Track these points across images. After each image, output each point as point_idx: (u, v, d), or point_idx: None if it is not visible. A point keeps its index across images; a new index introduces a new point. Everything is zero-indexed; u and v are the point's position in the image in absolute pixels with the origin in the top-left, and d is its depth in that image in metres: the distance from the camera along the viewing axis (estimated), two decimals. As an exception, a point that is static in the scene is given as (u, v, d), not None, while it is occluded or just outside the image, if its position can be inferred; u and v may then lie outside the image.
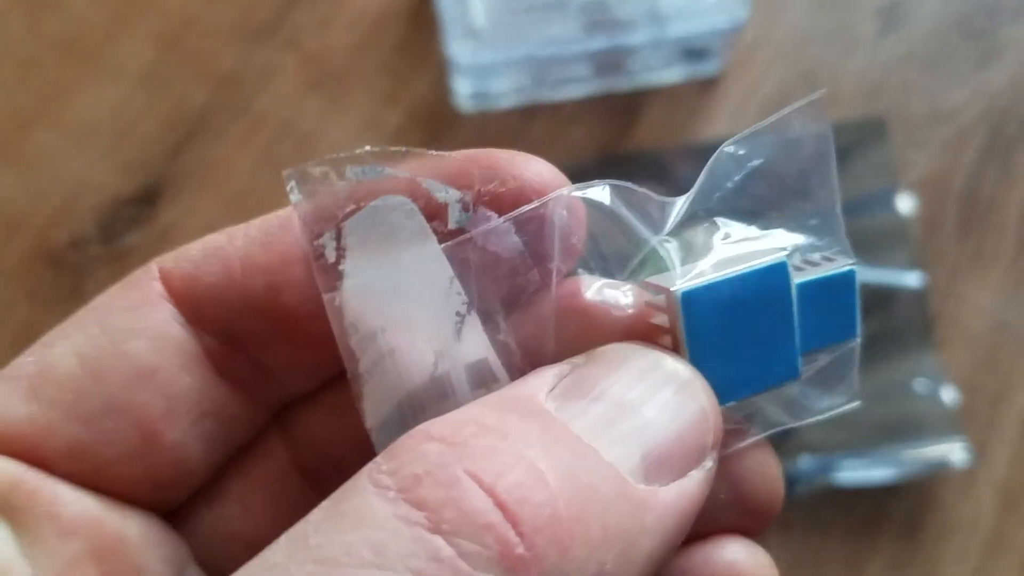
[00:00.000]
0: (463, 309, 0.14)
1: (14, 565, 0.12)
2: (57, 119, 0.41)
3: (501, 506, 0.11)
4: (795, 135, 0.14)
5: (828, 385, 0.15)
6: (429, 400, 0.13)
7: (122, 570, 0.13)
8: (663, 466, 0.12)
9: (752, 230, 0.15)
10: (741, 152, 0.14)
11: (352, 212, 0.13)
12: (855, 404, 0.16)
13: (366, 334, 0.13)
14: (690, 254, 0.14)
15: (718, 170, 0.14)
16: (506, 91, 0.40)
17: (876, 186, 0.40)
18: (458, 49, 0.38)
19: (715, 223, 0.15)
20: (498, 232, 0.14)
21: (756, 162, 0.14)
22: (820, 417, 0.15)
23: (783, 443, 0.37)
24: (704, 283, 0.14)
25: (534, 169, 0.15)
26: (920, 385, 0.37)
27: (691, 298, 0.13)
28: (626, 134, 0.41)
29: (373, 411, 0.13)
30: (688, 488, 0.13)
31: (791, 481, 0.36)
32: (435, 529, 0.11)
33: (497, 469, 0.11)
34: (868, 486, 0.36)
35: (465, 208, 0.14)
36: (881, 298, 0.39)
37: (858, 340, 0.15)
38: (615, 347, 0.13)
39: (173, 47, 0.41)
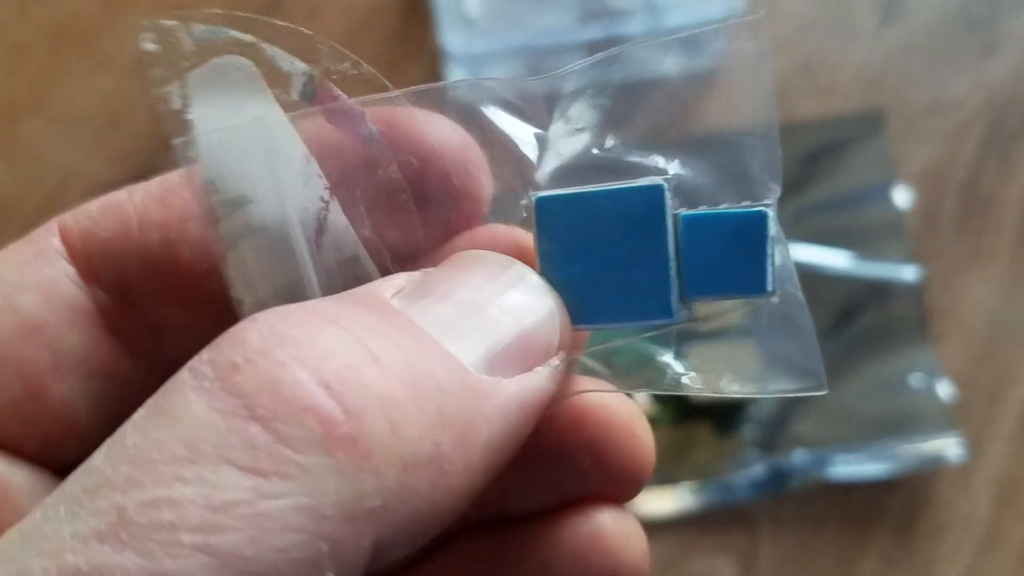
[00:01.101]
0: (326, 195, 0.13)
1: None
2: (47, 108, 0.41)
3: (326, 386, 0.11)
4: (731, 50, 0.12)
5: (779, 364, 0.14)
6: (293, 295, 0.13)
7: (4, 514, 0.14)
8: (507, 360, 0.12)
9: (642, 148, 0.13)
10: (658, 56, 0.13)
11: (197, 65, 0.13)
12: (820, 392, 0.14)
13: (228, 199, 0.13)
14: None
15: (616, 67, 0.13)
16: (500, 81, 0.40)
17: (873, 179, 0.40)
18: (452, 38, 0.38)
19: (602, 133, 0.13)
20: (349, 114, 0.13)
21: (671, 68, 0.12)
22: (755, 395, 0.14)
23: (777, 437, 0.37)
24: (565, 192, 0.13)
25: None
26: (916, 380, 0.38)
27: (546, 205, 0.13)
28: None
29: (238, 283, 0.13)
30: (532, 382, 0.12)
31: (784, 475, 0.36)
32: (251, 416, 0.11)
33: (324, 353, 0.11)
34: (862, 481, 0.36)
35: (311, 83, 0.13)
36: (877, 292, 0.39)
37: (771, 297, 0.13)
38: (468, 252, 0.13)
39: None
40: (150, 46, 0.13)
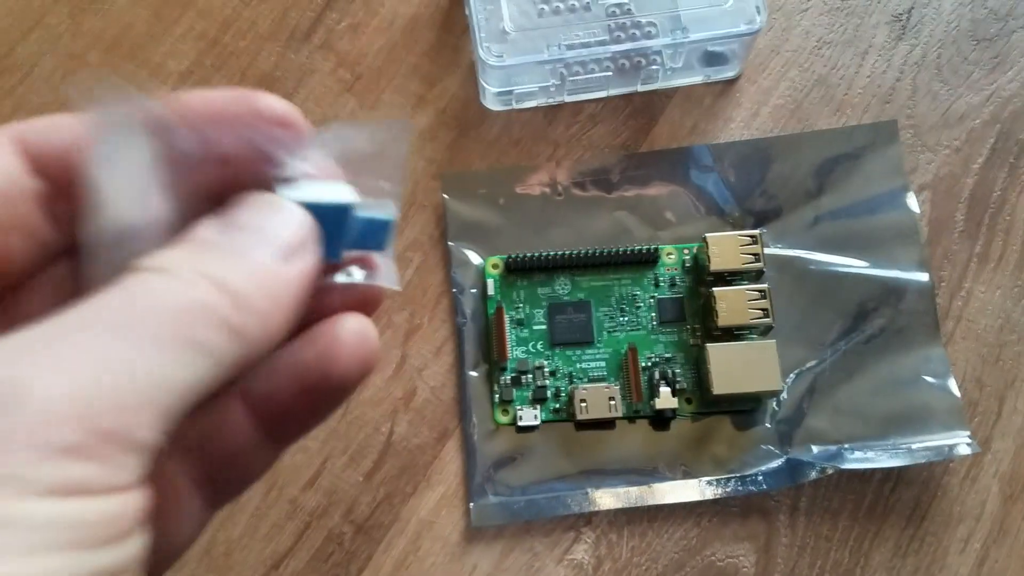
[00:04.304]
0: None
1: None
2: (100, 115, 0.42)
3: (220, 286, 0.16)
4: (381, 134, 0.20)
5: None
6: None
7: None
8: (289, 254, 0.18)
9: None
10: (336, 135, 0.20)
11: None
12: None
13: (95, 199, 0.17)
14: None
15: (322, 142, 0.20)
16: (531, 91, 0.41)
17: (887, 187, 0.41)
18: (487, 52, 0.39)
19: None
20: (165, 127, 0.18)
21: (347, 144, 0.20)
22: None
23: (793, 433, 0.38)
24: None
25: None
26: (927, 380, 0.38)
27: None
28: (645, 134, 0.42)
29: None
30: (305, 261, 0.18)
31: (800, 468, 0.37)
32: None
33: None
34: (876, 469, 0.38)
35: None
36: (891, 295, 0.40)
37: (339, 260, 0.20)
38: (251, 195, 0.18)
39: (212, 48, 0.43)
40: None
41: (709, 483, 0.37)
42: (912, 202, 0.41)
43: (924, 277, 0.40)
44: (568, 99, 0.42)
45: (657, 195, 0.41)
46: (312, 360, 0.19)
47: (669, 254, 0.40)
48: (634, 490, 0.37)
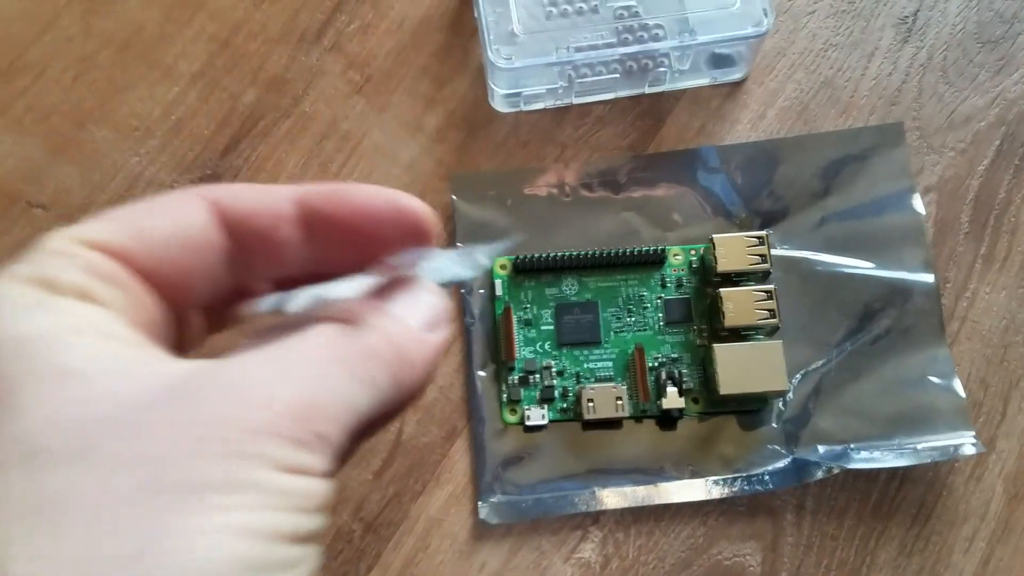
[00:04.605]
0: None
1: (120, 304, 0.20)
2: (112, 116, 0.42)
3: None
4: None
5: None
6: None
7: (150, 320, 0.21)
8: (434, 326, 0.22)
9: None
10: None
11: None
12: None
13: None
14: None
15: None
16: (540, 93, 0.42)
17: (893, 188, 0.41)
18: (495, 54, 0.40)
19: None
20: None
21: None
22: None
23: (799, 433, 0.38)
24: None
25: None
26: (933, 380, 0.39)
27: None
28: (652, 135, 0.42)
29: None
30: (443, 333, 0.23)
31: (806, 468, 0.37)
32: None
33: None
34: (881, 469, 0.38)
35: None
36: (897, 296, 0.40)
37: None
38: (416, 279, 0.23)
39: (223, 50, 0.43)
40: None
41: (716, 483, 0.38)
42: (918, 203, 0.41)
43: (930, 278, 0.40)
44: (576, 101, 0.42)
45: (664, 196, 0.41)
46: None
47: (676, 255, 0.41)
48: (641, 489, 0.38)
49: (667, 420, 0.39)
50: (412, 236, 0.22)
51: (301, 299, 0.21)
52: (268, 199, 0.22)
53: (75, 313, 0.19)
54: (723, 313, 0.38)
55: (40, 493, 0.16)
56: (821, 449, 0.38)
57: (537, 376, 0.39)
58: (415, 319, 0.22)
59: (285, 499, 0.17)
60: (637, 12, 0.41)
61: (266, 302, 0.21)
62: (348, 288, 0.21)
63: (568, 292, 0.40)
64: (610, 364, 0.39)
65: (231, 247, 0.22)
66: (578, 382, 0.39)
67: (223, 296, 0.23)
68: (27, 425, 0.17)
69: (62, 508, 0.16)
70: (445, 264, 0.24)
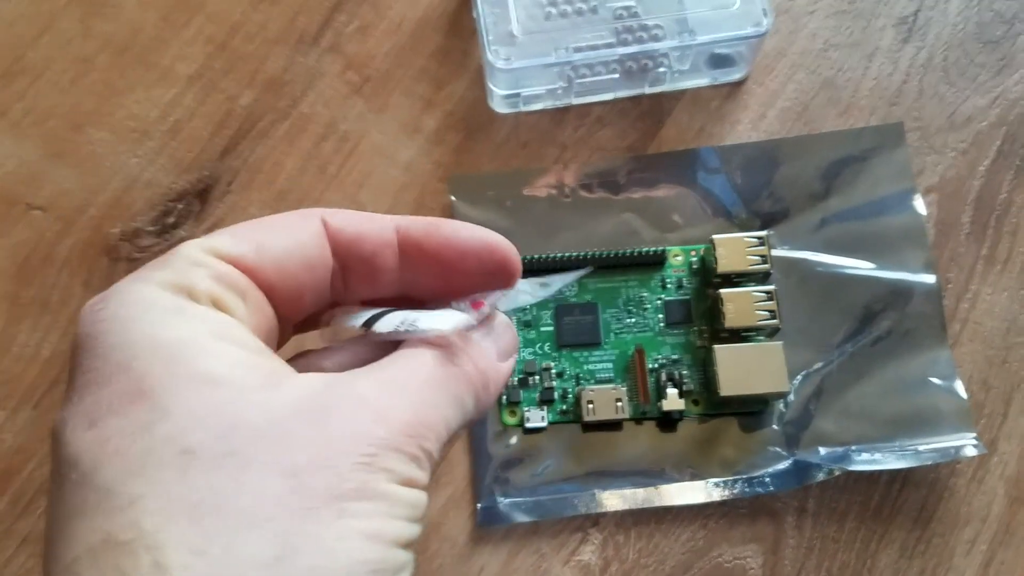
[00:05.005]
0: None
1: (243, 313, 0.21)
2: (110, 118, 0.42)
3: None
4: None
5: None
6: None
7: (268, 329, 0.23)
8: (507, 356, 0.25)
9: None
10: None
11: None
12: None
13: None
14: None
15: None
16: (539, 94, 0.42)
17: (893, 189, 0.41)
18: (494, 55, 0.39)
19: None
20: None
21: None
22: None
23: (800, 434, 0.38)
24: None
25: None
26: (934, 382, 0.38)
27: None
28: (652, 136, 0.42)
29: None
30: (512, 363, 0.25)
31: (807, 470, 0.37)
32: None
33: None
34: (882, 471, 0.38)
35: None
36: (898, 297, 0.40)
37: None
38: (496, 315, 0.25)
39: (222, 51, 0.43)
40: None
41: (716, 485, 0.37)
42: (919, 204, 0.41)
43: (931, 279, 0.40)
44: (575, 102, 0.42)
45: (664, 197, 0.41)
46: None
47: (676, 256, 0.40)
48: (641, 491, 0.37)
49: (667, 422, 0.39)
50: (499, 276, 0.24)
51: (390, 321, 0.22)
52: (375, 226, 0.24)
53: (213, 320, 0.20)
54: (723, 314, 0.38)
55: (193, 492, 0.17)
56: (822, 451, 0.38)
57: (537, 378, 0.39)
58: (495, 349, 0.24)
59: (402, 509, 0.19)
60: (636, 12, 0.41)
61: (355, 319, 0.23)
62: (436, 317, 0.23)
63: (568, 293, 0.40)
64: (610, 365, 0.39)
65: (337, 267, 0.24)
66: (578, 384, 0.39)
67: (320, 311, 0.25)
68: (178, 426, 0.18)
69: (214, 509, 0.17)
70: (520, 295, 0.25)
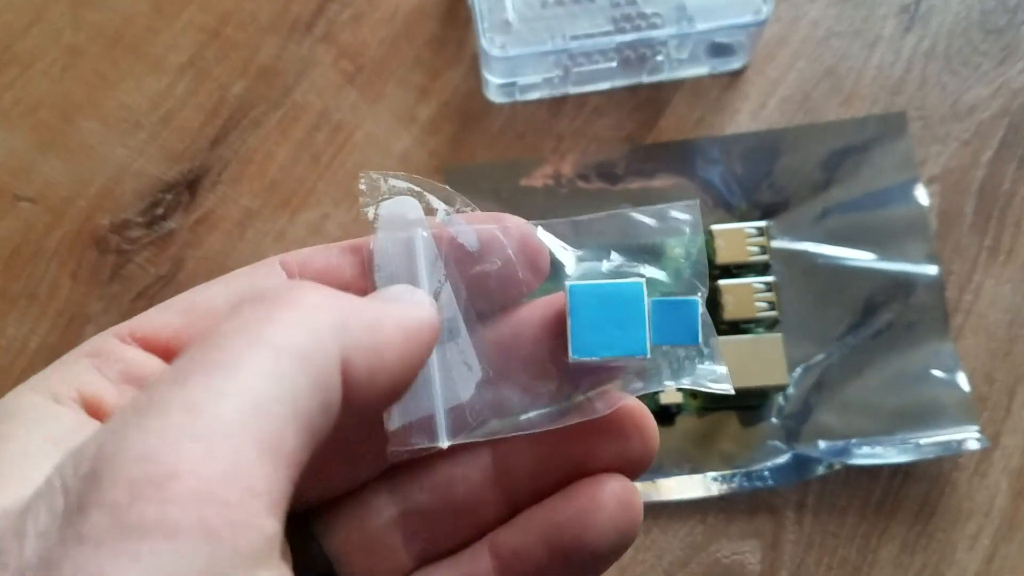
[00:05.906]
0: (442, 279, 0.22)
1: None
2: (100, 108, 0.42)
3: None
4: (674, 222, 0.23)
5: (695, 371, 0.22)
6: None
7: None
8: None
9: (631, 263, 0.23)
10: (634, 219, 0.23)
11: (386, 198, 0.22)
12: (724, 388, 0.22)
13: (384, 276, 0.21)
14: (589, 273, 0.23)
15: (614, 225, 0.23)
16: (535, 83, 0.41)
17: (896, 179, 0.40)
18: (490, 43, 0.39)
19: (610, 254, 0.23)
20: (462, 230, 0.22)
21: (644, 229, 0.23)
22: (685, 385, 0.22)
23: (800, 428, 0.38)
24: (585, 283, 0.21)
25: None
26: (936, 374, 0.38)
27: (574, 290, 0.21)
28: (650, 126, 0.42)
29: None
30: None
31: (808, 464, 0.37)
32: None
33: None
34: (883, 465, 0.37)
35: (447, 215, 0.22)
36: (900, 288, 0.39)
37: (700, 346, 0.22)
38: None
39: (213, 40, 0.43)
40: (362, 185, 0.22)
41: (715, 479, 0.37)
42: (921, 195, 0.40)
43: (933, 271, 0.39)
44: (572, 91, 0.42)
45: (663, 188, 0.41)
46: (566, 521, 0.19)
47: (674, 247, 0.40)
48: (639, 486, 0.37)
49: (665, 415, 0.38)
50: None
51: None
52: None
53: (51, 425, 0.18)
54: (722, 306, 0.37)
55: None
56: (822, 444, 0.37)
57: (533, 371, 0.38)
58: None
59: None
60: (635, 0, 0.40)
61: None
62: None
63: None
64: (607, 359, 0.39)
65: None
66: (575, 377, 0.38)
67: None
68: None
69: None
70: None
